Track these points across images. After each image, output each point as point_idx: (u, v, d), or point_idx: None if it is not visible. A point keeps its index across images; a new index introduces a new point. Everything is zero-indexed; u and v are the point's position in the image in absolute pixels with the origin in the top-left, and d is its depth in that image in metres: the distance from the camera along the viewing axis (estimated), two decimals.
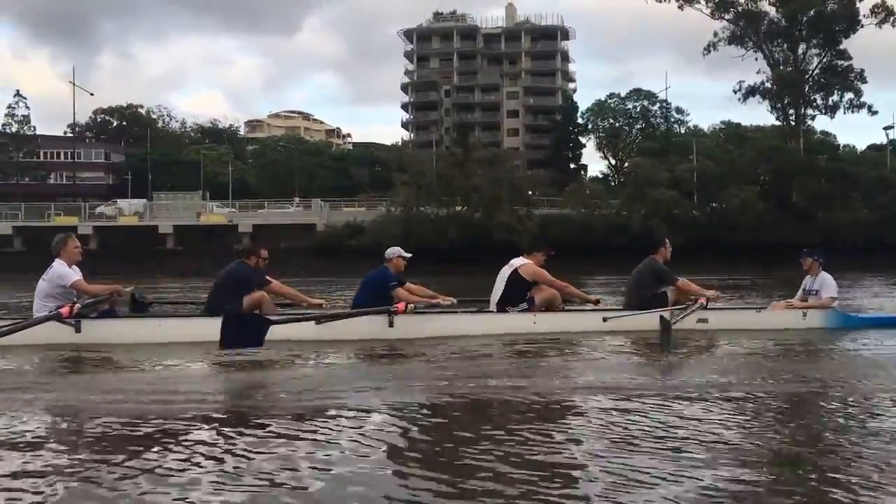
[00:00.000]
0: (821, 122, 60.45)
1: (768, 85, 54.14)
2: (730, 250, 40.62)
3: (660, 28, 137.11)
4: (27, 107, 71.27)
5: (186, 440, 3.95)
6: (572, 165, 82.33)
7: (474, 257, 33.31)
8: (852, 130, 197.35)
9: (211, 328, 7.60)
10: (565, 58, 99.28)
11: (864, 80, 53.45)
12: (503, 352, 7.30)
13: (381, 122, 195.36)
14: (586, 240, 42.53)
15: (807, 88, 53.54)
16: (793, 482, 3.27)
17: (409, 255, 8.79)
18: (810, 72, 53.81)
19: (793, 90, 52.87)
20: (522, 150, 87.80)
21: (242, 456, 3.65)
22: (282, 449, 3.77)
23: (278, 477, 3.32)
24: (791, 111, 54.42)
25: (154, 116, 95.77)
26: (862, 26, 52.06)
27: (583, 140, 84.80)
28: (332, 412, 4.59)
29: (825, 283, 9.01)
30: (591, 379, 5.76)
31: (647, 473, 3.33)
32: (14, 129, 70.89)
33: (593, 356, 7.02)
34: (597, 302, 9.15)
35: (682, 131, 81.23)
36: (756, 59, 54.45)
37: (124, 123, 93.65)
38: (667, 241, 9.48)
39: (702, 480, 3.23)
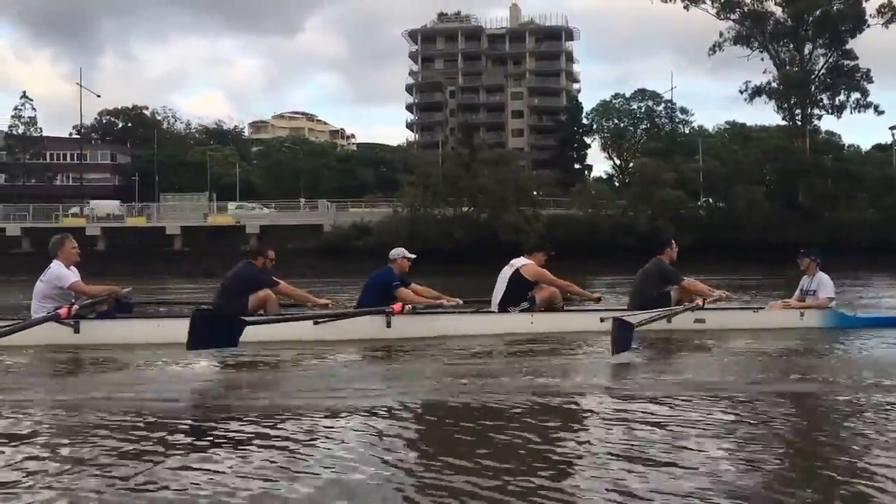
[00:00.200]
0: (825, 122, 60.19)
1: (775, 85, 54.13)
2: (736, 250, 40.62)
3: (661, 28, 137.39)
4: (33, 108, 71.46)
5: (184, 440, 3.99)
6: (577, 166, 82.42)
7: (481, 258, 33.33)
8: (856, 130, 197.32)
9: None
10: (570, 58, 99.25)
11: (870, 80, 53.45)
12: (500, 352, 7.27)
13: (383, 123, 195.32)
14: (593, 240, 42.58)
15: (813, 88, 53.52)
16: (791, 483, 3.27)
17: (413, 255, 8.82)
18: (816, 72, 53.76)
19: (799, 90, 52.82)
20: (527, 150, 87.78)
21: (241, 456, 3.67)
22: (279, 449, 3.78)
23: (276, 477, 3.34)
24: (797, 111, 54.39)
25: (159, 118, 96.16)
26: (868, 26, 52.05)
27: (587, 140, 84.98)
28: (330, 413, 4.62)
29: (822, 284, 9.00)
30: (588, 379, 5.77)
31: (646, 474, 3.33)
32: (20, 131, 71.08)
33: (590, 357, 7.02)
34: (598, 300, 9.17)
35: (687, 131, 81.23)
36: (762, 60, 54.53)
37: (129, 125, 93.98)
38: (673, 241, 9.53)
39: (699, 481, 3.23)
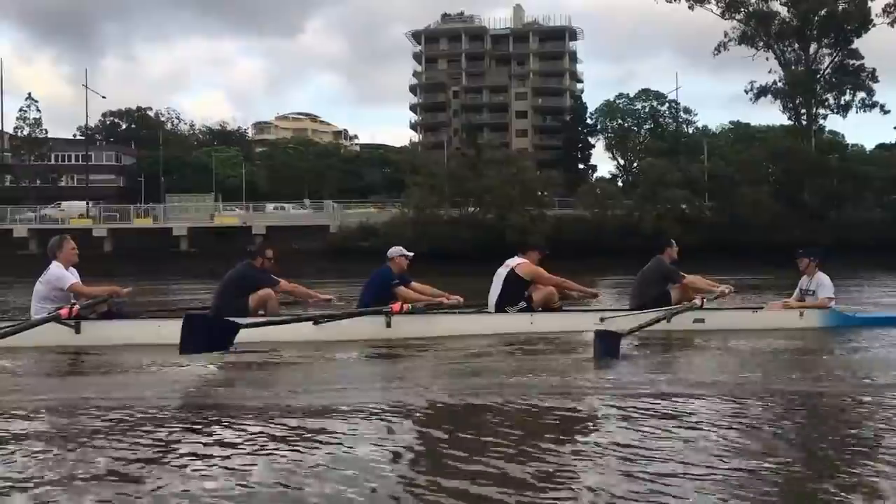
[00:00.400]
0: (828, 122, 60.15)
1: (780, 85, 54.11)
2: (741, 250, 40.59)
3: (662, 28, 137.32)
4: (38, 110, 71.53)
5: (185, 441, 4.02)
6: (581, 166, 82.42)
7: (487, 258, 33.26)
8: (859, 130, 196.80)
9: None
10: (573, 58, 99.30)
11: (875, 80, 53.41)
12: (500, 352, 7.30)
13: (386, 124, 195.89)
14: (599, 240, 42.58)
15: (818, 88, 53.47)
16: (792, 483, 3.29)
17: (411, 253, 8.86)
18: (822, 71, 53.73)
19: (805, 90, 52.80)
20: (531, 150, 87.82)
21: (241, 456, 3.71)
22: (280, 450, 3.81)
23: (276, 477, 3.37)
24: (803, 111, 54.36)
25: (163, 119, 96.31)
26: (874, 25, 51.98)
27: (591, 141, 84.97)
28: (330, 413, 4.67)
29: (822, 283, 9.01)
30: (588, 379, 5.81)
31: (647, 473, 3.35)
32: (26, 132, 71.19)
33: (589, 356, 7.06)
34: (595, 296, 9.23)
35: (691, 131, 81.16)
36: (767, 59, 54.51)
37: (133, 126, 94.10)
38: (673, 241, 9.58)
39: (699, 481, 3.24)
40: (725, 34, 54.77)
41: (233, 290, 8.27)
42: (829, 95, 54.14)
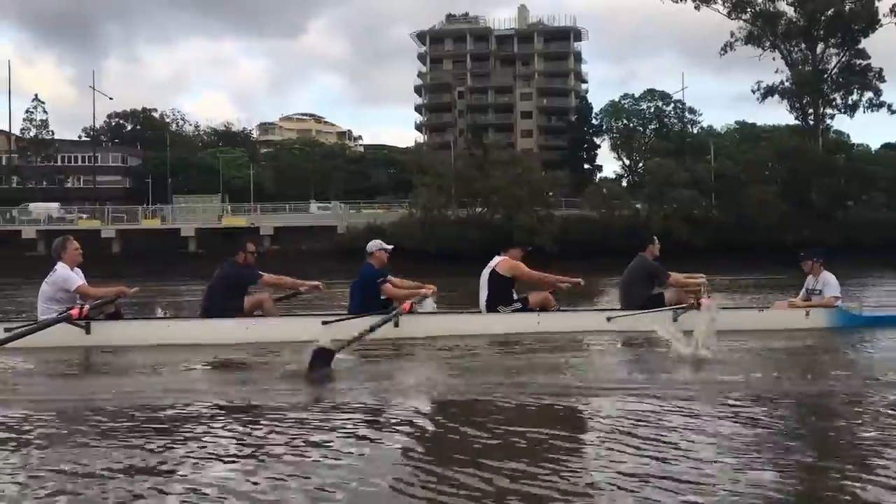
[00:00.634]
0: (835, 122, 60.10)
1: (787, 85, 54.07)
2: (749, 250, 40.58)
3: (665, 28, 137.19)
4: (45, 111, 71.72)
5: (197, 438, 4.05)
6: (587, 166, 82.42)
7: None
8: (864, 130, 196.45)
9: (221, 329, 7.83)
10: (578, 59, 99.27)
11: (882, 79, 53.38)
12: (508, 351, 7.31)
13: (389, 124, 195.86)
14: (606, 240, 42.59)
15: (825, 88, 53.42)
16: (797, 482, 3.30)
17: (390, 246, 8.92)
18: (829, 71, 53.68)
19: (812, 90, 52.75)
20: (536, 151, 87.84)
21: (249, 455, 3.74)
22: (288, 448, 3.83)
23: (282, 476, 3.38)
24: (810, 110, 54.32)
25: (168, 120, 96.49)
26: (881, 25, 51.93)
27: (597, 141, 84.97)
28: (337, 412, 4.70)
29: (828, 283, 8.99)
30: (596, 378, 5.83)
31: (652, 473, 3.36)
32: (32, 134, 71.37)
33: (597, 356, 7.07)
34: (578, 285, 9.09)
35: (696, 131, 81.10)
36: (773, 59, 54.48)
37: (138, 127, 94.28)
38: (655, 238, 9.61)
39: (707, 481, 3.25)
40: (732, 34, 54.86)
41: (221, 290, 8.35)
42: (836, 95, 54.11)
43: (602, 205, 47.16)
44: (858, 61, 53.17)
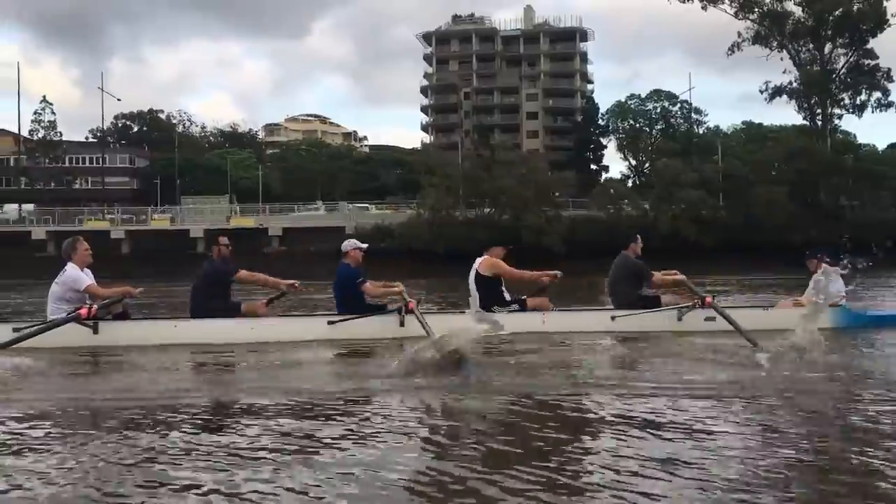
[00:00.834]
0: (842, 122, 60.02)
1: (795, 85, 54.02)
2: (757, 250, 40.57)
3: (670, 28, 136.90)
4: (53, 112, 71.98)
5: (201, 439, 4.11)
6: (593, 167, 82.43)
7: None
8: (870, 130, 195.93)
9: (227, 329, 7.90)
10: (584, 59, 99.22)
11: (890, 79, 53.20)
12: (513, 351, 7.33)
13: (394, 125, 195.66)
14: (613, 241, 42.58)
15: (834, 88, 53.35)
16: (801, 481, 3.32)
17: (365, 245, 8.96)
18: (837, 71, 53.60)
19: (820, 90, 52.69)
20: (542, 151, 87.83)
21: (255, 452, 3.79)
22: (294, 447, 3.88)
23: (285, 474, 3.43)
24: (818, 111, 54.25)
25: (174, 121, 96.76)
26: (889, 25, 51.80)
27: (603, 141, 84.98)
28: (344, 411, 4.76)
29: (834, 282, 8.92)
30: (602, 378, 5.86)
31: (656, 473, 3.39)
32: (40, 135, 71.64)
33: (602, 355, 7.08)
34: (555, 277, 9.10)
35: (702, 132, 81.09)
36: (781, 59, 54.44)
37: (145, 128, 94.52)
38: (638, 236, 9.65)
39: (711, 481, 3.27)
40: (739, 34, 54.79)
41: (202, 289, 8.44)
42: (844, 95, 54.01)
43: (609, 205, 47.17)
44: (867, 61, 53.07)
